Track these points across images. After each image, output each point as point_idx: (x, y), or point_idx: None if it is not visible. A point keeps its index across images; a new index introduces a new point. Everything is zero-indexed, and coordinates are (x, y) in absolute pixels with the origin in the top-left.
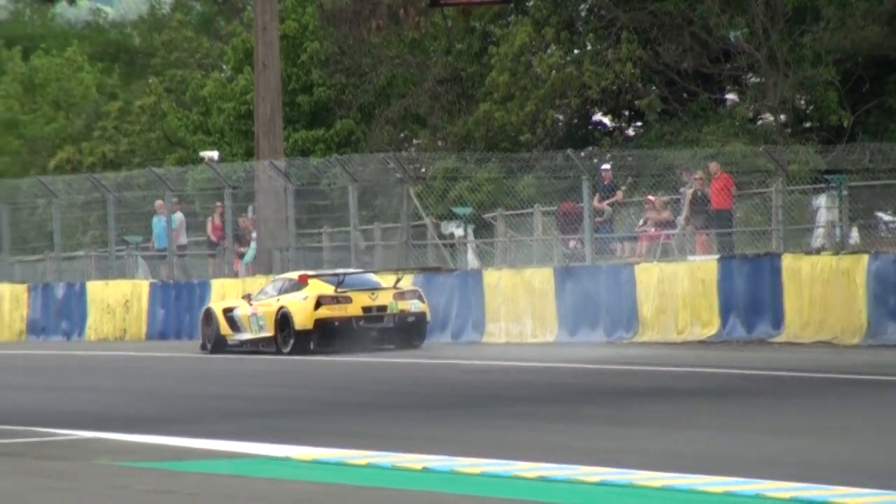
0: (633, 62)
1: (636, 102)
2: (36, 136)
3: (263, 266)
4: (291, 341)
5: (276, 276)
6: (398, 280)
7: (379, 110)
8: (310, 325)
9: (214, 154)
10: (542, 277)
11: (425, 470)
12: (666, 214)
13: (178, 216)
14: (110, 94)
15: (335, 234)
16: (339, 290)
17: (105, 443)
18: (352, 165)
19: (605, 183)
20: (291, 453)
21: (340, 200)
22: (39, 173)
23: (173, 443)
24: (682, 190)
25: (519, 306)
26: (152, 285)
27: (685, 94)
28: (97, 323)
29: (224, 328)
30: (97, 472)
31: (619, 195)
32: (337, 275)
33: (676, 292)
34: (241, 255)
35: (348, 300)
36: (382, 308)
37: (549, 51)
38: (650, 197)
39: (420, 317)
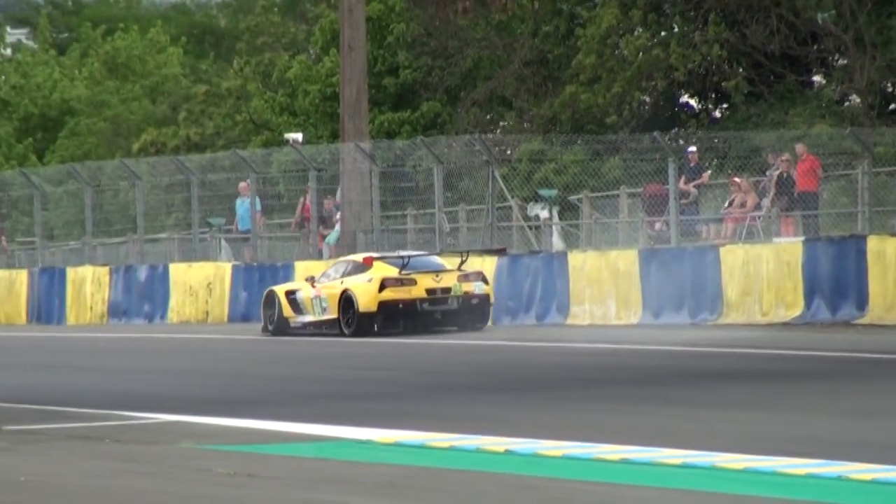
0: (720, 44)
1: (723, 84)
2: (120, 116)
3: (347, 248)
4: (355, 323)
5: (340, 259)
6: (462, 262)
7: (465, 92)
8: (374, 308)
9: (298, 136)
10: (627, 259)
11: (508, 452)
12: (752, 196)
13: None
14: (200, 79)
15: (420, 216)
16: (403, 272)
17: (186, 426)
18: (437, 147)
19: (691, 165)
20: (374, 436)
21: (425, 182)
22: (124, 155)
23: (255, 426)
24: (768, 172)
25: (603, 288)
26: (235, 268)
27: (772, 77)
28: (179, 305)
29: (286, 310)
30: (178, 455)
31: (705, 177)
32: (401, 257)
33: (761, 274)
34: (326, 237)
35: (413, 282)
36: (447, 290)
37: (635, 33)
38: (736, 179)
39: (484, 299)
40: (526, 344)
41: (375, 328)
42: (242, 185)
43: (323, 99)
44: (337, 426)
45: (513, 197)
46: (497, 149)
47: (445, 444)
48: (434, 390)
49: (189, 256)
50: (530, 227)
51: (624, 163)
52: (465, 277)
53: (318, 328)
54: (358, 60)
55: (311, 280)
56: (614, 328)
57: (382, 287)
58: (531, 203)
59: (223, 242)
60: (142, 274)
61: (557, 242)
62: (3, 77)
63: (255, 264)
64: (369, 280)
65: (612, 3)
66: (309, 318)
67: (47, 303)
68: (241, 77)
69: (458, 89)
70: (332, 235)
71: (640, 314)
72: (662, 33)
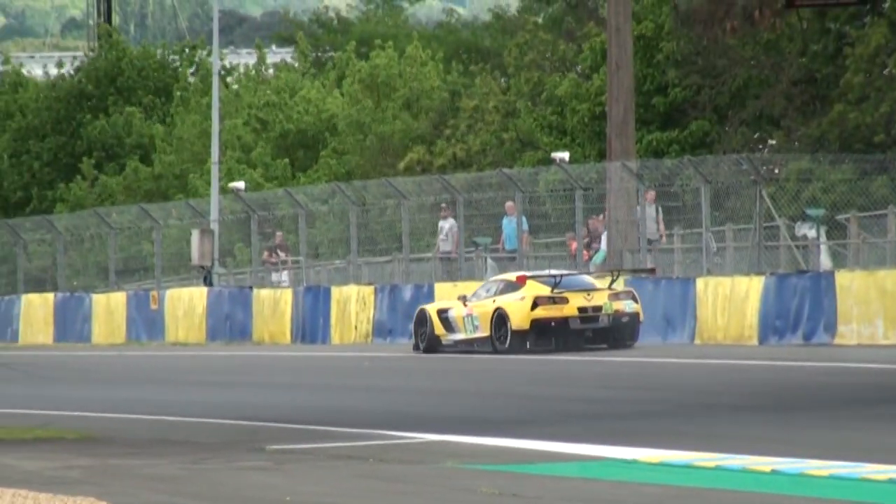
0: None
1: None
2: (385, 134)
3: (614, 267)
4: (508, 341)
5: (491, 278)
6: (613, 281)
7: (733, 111)
8: (526, 325)
9: (565, 155)
10: (895, 279)
11: (774, 472)
12: None
13: (451, 222)
14: (456, 93)
15: (687, 235)
16: (555, 290)
17: (449, 445)
18: (705, 167)
19: None
20: (638, 455)
21: (693, 202)
22: (388, 174)
23: (518, 445)
24: None
25: (871, 308)
26: None
27: None
28: None
29: (438, 328)
30: (442, 474)
31: None
32: (553, 276)
33: None
34: (592, 257)
35: (564, 301)
36: (598, 308)
37: None
38: None
39: (633, 317)
40: (793, 363)
41: (528, 345)
42: (509, 204)
43: (591, 118)
44: (600, 445)
45: (780, 216)
46: (765, 168)
47: (711, 464)
48: (697, 409)
49: (454, 276)
50: (798, 247)
51: (892, 182)
52: (616, 296)
53: (469, 346)
54: (625, 79)
55: (463, 299)
56: (882, 348)
57: (535, 305)
58: (798, 222)
59: (489, 261)
60: (406, 293)
61: (825, 262)
62: (263, 96)
63: None
64: (522, 298)
65: (881, 22)
66: (460, 335)
67: (312, 322)
68: (511, 94)
69: (727, 108)
70: (599, 255)
71: None
72: None
